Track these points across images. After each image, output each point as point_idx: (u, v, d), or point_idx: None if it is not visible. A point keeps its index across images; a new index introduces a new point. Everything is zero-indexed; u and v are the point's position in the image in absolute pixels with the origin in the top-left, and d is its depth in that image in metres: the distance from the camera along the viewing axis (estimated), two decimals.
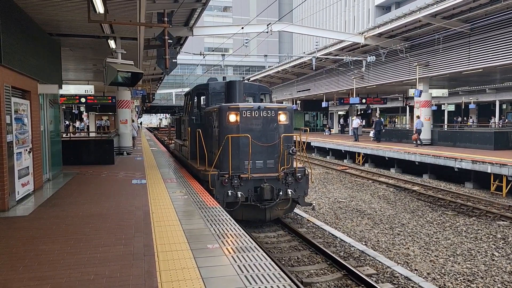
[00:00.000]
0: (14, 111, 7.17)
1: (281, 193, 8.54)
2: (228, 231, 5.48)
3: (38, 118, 8.91)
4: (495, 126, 33.06)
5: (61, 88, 11.68)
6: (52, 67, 10.48)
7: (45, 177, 9.68)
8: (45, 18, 8.43)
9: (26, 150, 7.87)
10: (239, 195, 8.25)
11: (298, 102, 38.75)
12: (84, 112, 34.20)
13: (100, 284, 3.77)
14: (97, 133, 24.68)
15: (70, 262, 4.35)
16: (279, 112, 8.76)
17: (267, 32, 18.86)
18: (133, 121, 20.40)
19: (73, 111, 34.82)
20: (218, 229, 5.59)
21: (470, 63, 17.73)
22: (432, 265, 7.09)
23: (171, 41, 9.17)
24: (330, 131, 38.27)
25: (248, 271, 4.09)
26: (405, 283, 6.06)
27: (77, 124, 35.26)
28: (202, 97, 11.20)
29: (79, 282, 3.82)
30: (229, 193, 8.28)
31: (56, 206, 7.05)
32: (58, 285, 3.76)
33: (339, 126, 40.32)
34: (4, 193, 6.68)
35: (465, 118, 40.05)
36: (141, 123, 60.97)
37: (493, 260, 7.35)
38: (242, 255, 4.55)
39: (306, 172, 9.02)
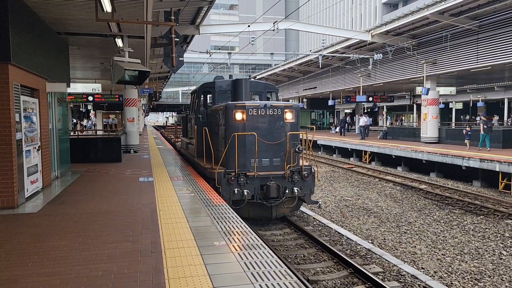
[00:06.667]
0: (23, 109, 7.25)
1: (287, 191, 8.55)
2: (235, 229, 5.51)
3: (47, 116, 8.99)
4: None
5: (69, 87, 11.78)
6: (60, 65, 10.56)
7: (54, 175, 9.77)
8: (54, 16, 8.50)
9: (35, 147, 7.96)
10: (245, 193, 8.27)
11: (304, 100, 38.65)
12: (91, 110, 34.41)
13: (108, 280, 3.82)
14: (104, 131, 24.83)
15: (78, 258, 4.40)
16: (286, 110, 8.76)
17: (274, 30, 18.84)
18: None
19: (81, 109, 35.04)
20: (224, 226, 5.62)
21: (478, 61, 17.57)
22: (439, 264, 7.06)
23: (178, 40, 9.21)
24: (337, 129, 38.10)
25: (254, 268, 4.12)
26: (411, 281, 6.05)
27: (85, 122, 35.49)
28: (208, 96, 11.23)
29: (87, 278, 3.87)
30: (235, 191, 8.30)
31: (65, 203, 7.13)
32: (67, 281, 3.81)
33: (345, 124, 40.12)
34: (13, 190, 6.76)
35: (473, 117, 39.67)
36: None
37: (501, 259, 7.30)
38: (248, 253, 4.57)
39: (312, 170, 9.01)
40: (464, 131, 18.36)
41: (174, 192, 8.03)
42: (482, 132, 16.77)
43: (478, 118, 37.01)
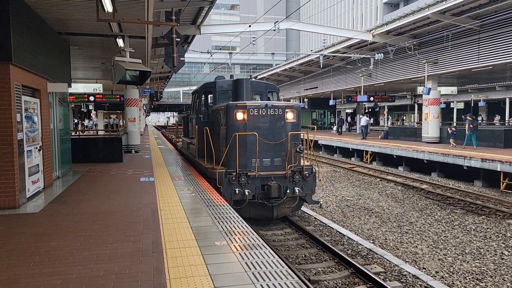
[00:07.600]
0: (24, 109, 7.26)
1: (288, 191, 8.54)
2: (236, 229, 5.50)
3: (48, 116, 9.00)
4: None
5: (70, 87, 11.79)
6: (62, 65, 10.57)
7: (55, 175, 9.78)
8: (55, 17, 8.51)
9: (36, 148, 7.97)
10: (246, 193, 8.26)
11: (305, 100, 38.64)
12: (92, 110, 34.44)
13: (109, 280, 3.82)
14: (106, 131, 24.85)
15: (80, 258, 4.40)
16: (287, 110, 8.75)
17: (275, 30, 18.83)
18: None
19: (82, 109, 35.08)
20: (225, 226, 5.61)
21: (479, 61, 17.54)
22: (441, 264, 7.05)
23: (179, 40, 9.22)
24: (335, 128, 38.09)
25: (255, 268, 4.11)
26: (413, 281, 6.04)
27: (86, 122, 35.52)
28: (209, 95, 11.23)
29: (88, 278, 3.87)
30: (236, 191, 8.30)
31: (66, 203, 7.13)
32: (68, 281, 3.81)
33: (347, 124, 40.14)
34: (15, 190, 6.77)
35: (473, 116, 39.54)
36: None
37: (502, 259, 7.29)
38: (249, 253, 4.57)
39: (314, 170, 9.01)
40: (449, 130, 18.94)
41: (175, 192, 8.03)
42: (467, 131, 17.50)
43: (479, 118, 36.98)
